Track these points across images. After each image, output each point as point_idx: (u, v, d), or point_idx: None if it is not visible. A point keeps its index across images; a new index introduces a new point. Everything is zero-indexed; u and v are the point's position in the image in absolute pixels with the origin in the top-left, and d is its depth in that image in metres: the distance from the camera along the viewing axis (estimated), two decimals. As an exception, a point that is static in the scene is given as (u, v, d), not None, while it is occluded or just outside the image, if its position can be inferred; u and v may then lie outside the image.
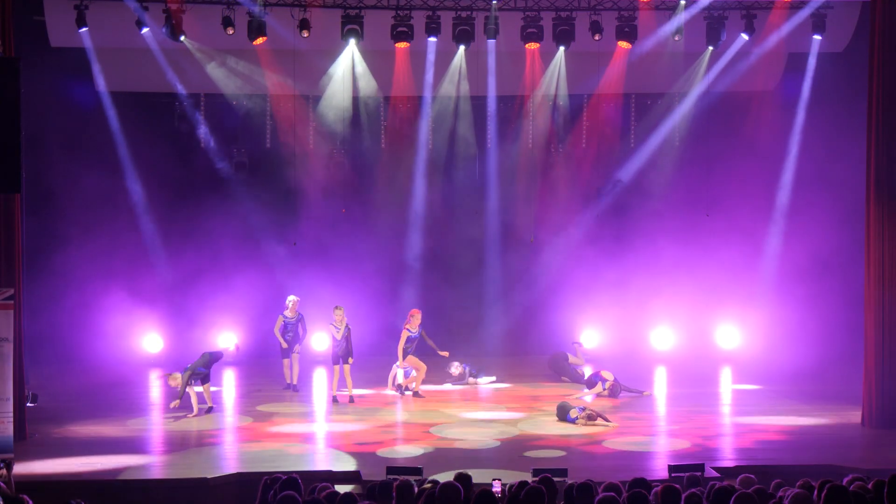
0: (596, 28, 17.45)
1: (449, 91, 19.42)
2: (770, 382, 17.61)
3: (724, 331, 20.46)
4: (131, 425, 14.58)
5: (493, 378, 18.18)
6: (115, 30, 17.53)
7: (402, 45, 17.76)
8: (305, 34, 17.19)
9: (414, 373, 16.92)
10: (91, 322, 19.31)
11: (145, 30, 17.32)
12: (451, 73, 19.10)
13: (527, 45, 18.03)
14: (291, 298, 17.11)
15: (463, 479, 8.13)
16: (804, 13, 17.74)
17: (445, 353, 17.40)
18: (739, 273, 20.00)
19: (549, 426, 14.63)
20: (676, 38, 17.67)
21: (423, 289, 20.28)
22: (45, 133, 18.15)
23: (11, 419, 12.23)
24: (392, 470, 10.64)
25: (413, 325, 16.83)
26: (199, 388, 15.27)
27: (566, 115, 20.13)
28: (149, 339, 19.78)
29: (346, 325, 16.23)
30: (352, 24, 17.30)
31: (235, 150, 20.22)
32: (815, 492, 7.57)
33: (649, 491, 7.80)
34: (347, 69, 18.90)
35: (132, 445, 13.43)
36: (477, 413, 15.71)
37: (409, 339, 16.69)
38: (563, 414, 14.80)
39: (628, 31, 17.58)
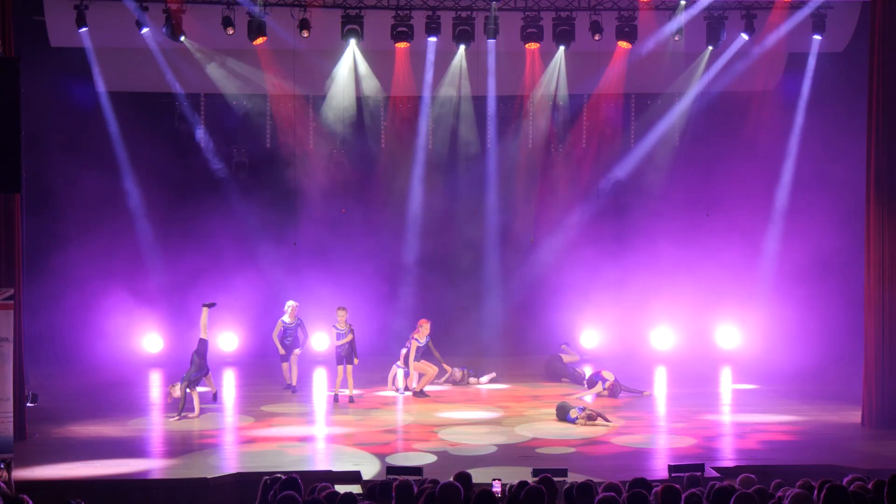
0: (596, 28, 17.45)
1: (449, 91, 19.42)
2: (770, 382, 17.61)
3: (724, 331, 20.47)
4: (131, 425, 14.58)
5: (493, 374, 18.21)
6: (115, 30, 17.52)
7: (402, 45, 17.76)
8: (305, 34, 17.19)
9: (414, 373, 16.98)
10: (91, 322, 19.32)
11: (145, 30, 17.31)
12: (451, 73, 19.09)
13: (527, 45, 18.03)
14: (290, 304, 17.11)
15: (463, 479, 8.13)
16: (804, 13, 17.74)
17: (449, 369, 17.52)
18: (739, 273, 19.99)
19: (549, 426, 14.62)
20: (677, 38, 17.68)
21: (423, 289, 20.29)
22: (45, 133, 18.15)
23: (11, 419, 12.22)
24: (392, 470, 10.64)
25: (422, 335, 16.94)
26: (202, 389, 15.24)
27: (566, 115, 20.13)
28: (149, 339, 19.78)
29: (350, 326, 16.24)
30: (352, 24, 17.30)
31: (235, 150, 20.22)
32: (815, 492, 7.57)
33: (649, 491, 7.80)
34: (350, 69, 18.90)
35: (132, 446, 13.43)
36: (478, 414, 15.69)
37: (417, 349, 16.83)
38: (563, 414, 14.81)
39: (628, 31, 17.58)
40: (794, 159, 19.66)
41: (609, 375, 16.86)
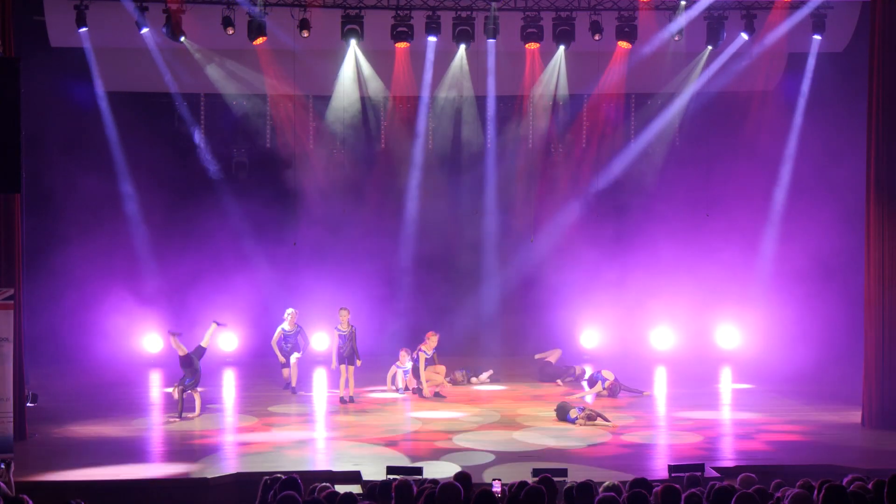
0: (596, 28, 17.45)
1: (449, 91, 19.42)
2: (770, 382, 17.61)
3: (723, 331, 20.47)
4: (131, 425, 14.58)
5: (491, 371, 18.25)
6: (115, 30, 17.53)
7: (402, 45, 17.76)
8: (305, 34, 17.18)
9: (407, 371, 17.06)
10: (91, 322, 19.31)
11: (145, 30, 17.31)
12: (451, 73, 19.09)
13: (527, 45, 18.04)
14: (290, 311, 17.09)
15: (463, 478, 8.14)
16: (804, 13, 17.73)
17: (448, 385, 17.52)
18: (739, 273, 19.99)
19: (549, 426, 14.62)
20: (677, 38, 17.68)
21: (423, 289, 20.30)
22: (45, 133, 18.15)
23: (11, 419, 12.22)
24: (392, 470, 10.64)
25: (429, 346, 16.99)
26: (200, 389, 15.24)
27: (566, 115, 20.13)
28: (149, 339, 19.77)
29: (352, 327, 16.24)
30: (352, 24, 17.30)
31: (235, 150, 20.22)
32: (815, 492, 7.57)
33: (649, 491, 7.80)
34: (352, 70, 18.90)
35: (132, 446, 13.43)
36: (478, 414, 15.70)
37: (425, 361, 16.94)
38: (563, 414, 14.81)
39: (628, 31, 17.58)
40: (794, 159, 19.66)
41: (609, 375, 16.86)
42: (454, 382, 17.88)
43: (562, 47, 18.21)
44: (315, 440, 14.30)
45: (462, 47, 18.26)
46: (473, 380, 18.13)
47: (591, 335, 20.65)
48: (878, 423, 14.34)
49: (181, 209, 19.86)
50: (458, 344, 19.30)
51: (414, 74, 18.98)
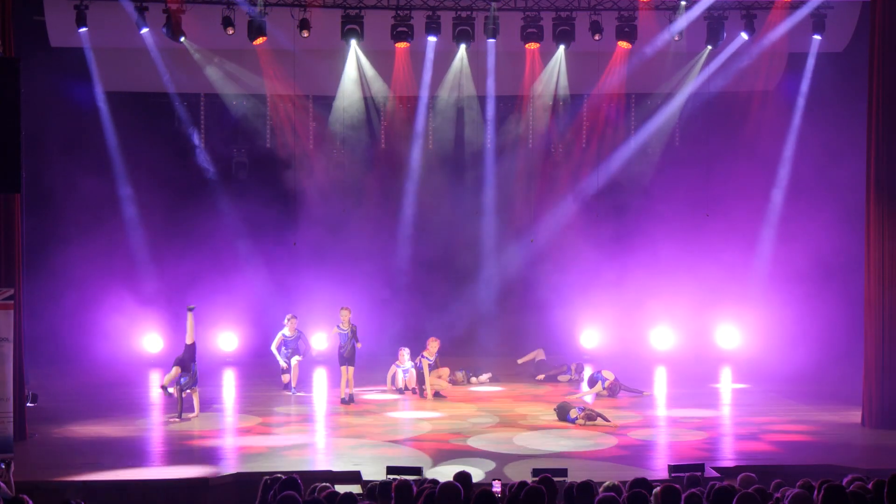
0: (596, 28, 17.46)
1: (449, 91, 19.42)
2: (770, 382, 17.61)
3: (723, 331, 20.47)
4: (131, 425, 14.57)
5: (490, 374, 18.27)
6: (115, 30, 17.54)
7: (401, 45, 17.76)
8: (305, 34, 17.19)
9: (413, 372, 17.05)
10: (91, 322, 19.32)
11: (145, 30, 17.31)
12: (451, 73, 19.10)
13: (527, 45, 18.05)
14: (290, 318, 17.08)
15: (463, 479, 8.14)
16: (804, 13, 17.73)
17: (448, 386, 17.48)
18: (739, 273, 20.00)
19: (549, 426, 14.62)
20: (677, 39, 17.68)
21: (423, 289, 20.30)
22: (45, 133, 18.16)
23: (11, 419, 12.21)
24: (392, 470, 10.64)
25: (431, 352, 17.00)
26: (198, 389, 15.20)
27: (566, 115, 20.13)
28: (149, 339, 19.78)
29: (353, 326, 16.25)
30: (352, 24, 17.31)
31: (235, 150, 20.23)
32: (815, 492, 7.56)
33: (649, 491, 7.80)
34: (352, 70, 18.90)
35: (132, 446, 13.43)
36: (478, 414, 15.70)
37: (428, 367, 16.93)
38: (563, 414, 14.81)
39: (628, 31, 17.59)
40: (794, 159, 19.68)
41: (609, 375, 16.87)
42: (454, 382, 17.89)
43: (562, 47, 18.22)
44: (315, 440, 14.30)
45: (462, 47, 18.27)
46: (473, 380, 18.16)
47: (590, 335, 20.66)
48: (878, 422, 14.33)
49: (181, 209, 19.87)
50: (457, 344, 19.29)
51: (414, 74, 18.99)
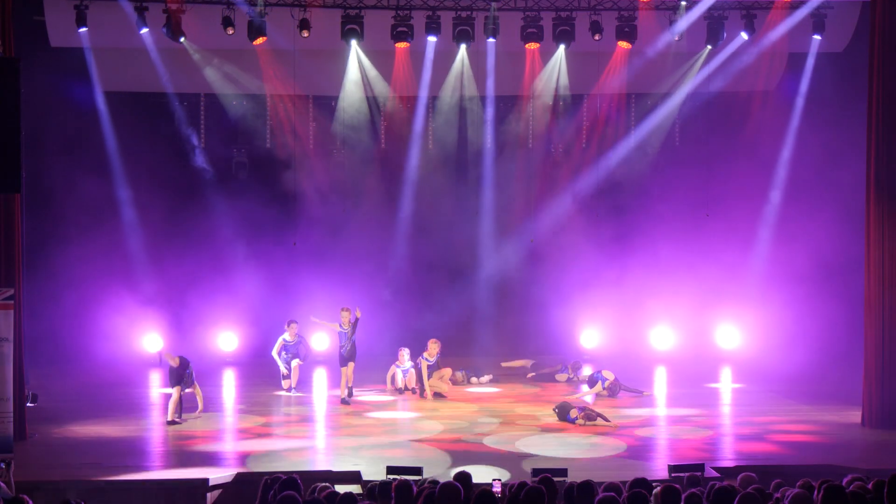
0: (596, 28, 17.46)
1: (449, 91, 19.43)
2: (770, 382, 17.61)
3: (723, 331, 20.47)
4: (131, 425, 14.57)
5: (490, 376, 18.27)
6: (115, 30, 17.53)
7: (401, 45, 17.76)
8: (305, 34, 17.19)
9: (413, 372, 17.06)
10: (91, 322, 19.32)
11: (144, 30, 17.31)
12: (450, 73, 19.09)
13: (527, 45, 18.04)
14: (291, 324, 17.08)
15: (463, 479, 8.14)
16: (804, 13, 17.73)
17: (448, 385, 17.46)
18: (739, 273, 20.00)
19: (549, 426, 14.62)
20: (677, 39, 17.68)
21: (422, 289, 20.31)
22: (45, 133, 18.16)
23: (11, 419, 12.21)
24: (392, 470, 10.64)
25: (431, 353, 17.01)
26: (193, 390, 15.14)
27: (566, 115, 20.13)
28: (149, 339, 19.78)
29: (353, 326, 16.25)
30: (352, 24, 17.30)
31: (235, 150, 20.23)
32: (815, 492, 7.57)
33: (649, 491, 7.80)
34: (353, 70, 18.91)
35: (132, 446, 13.43)
36: (478, 415, 15.70)
37: (427, 368, 16.94)
38: (563, 414, 14.81)
39: (628, 31, 17.59)
40: (794, 159, 19.67)
41: (609, 375, 16.87)
42: (454, 382, 17.88)
43: (562, 47, 18.22)
44: (315, 440, 14.29)
45: (462, 47, 18.27)
46: (473, 380, 18.16)
47: (590, 335, 20.66)
48: (878, 422, 14.33)
49: (181, 209, 19.87)
50: (457, 344, 19.27)
51: (414, 74, 18.98)
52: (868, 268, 14.64)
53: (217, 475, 11.72)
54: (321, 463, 12.70)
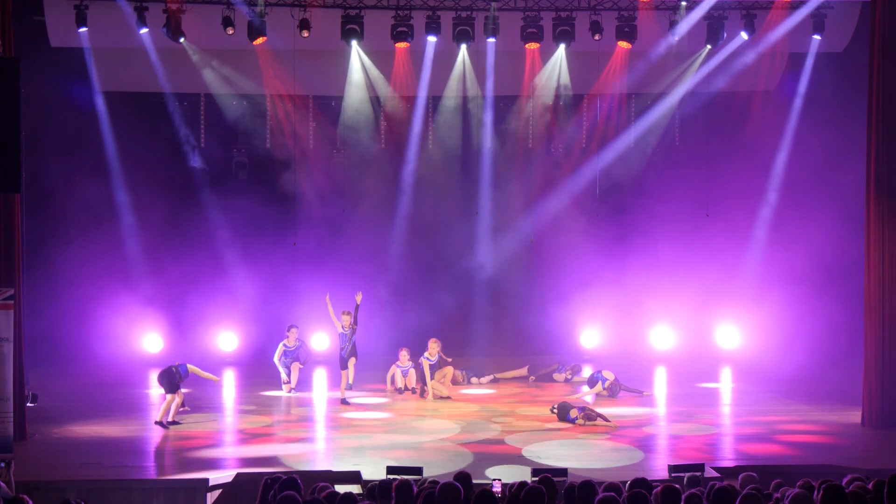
0: (596, 28, 17.46)
1: (449, 91, 19.43)
2: (770, 382, 17.61)
3: (723, 331, 20.47)
4: (131, 425, 14.57)
5: (492, 377, 18.27)
6: (115, 30, 17.52)
7: (401, 45, 17.76)
8: (305, 34, 17.18)
9: (413, 372, 17.06)
10: (91, 322, 19.33)
11: (144, 30, 17.30)
12: (450, 73, 19.09)
13: (527, 45, 18.04)
14: (292, 329, 17.09)
15: (463, 478, 8.13)
16: (804, 13, 17.73)
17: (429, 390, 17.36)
18: (739, 273, 20.01)
19: (549, 426, 14.62)
20: (677, 39, 17.68)
21: (422, 289, 20.30)
22: (45, 133, 18.16)
23: (11, 419, 12.20)
24: (392, 470, 10.64)
25: (432, 353, 16.99)
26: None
27: (566, 115, 20.12)
28: (149, 339, 19.78)
29: (354, 329, 16.25)
30: (352, 24, 17.30)
31: (235, 150, 20.24)
32: (815, 492, 7.57)
33: (649, 491, 7.80)
34: (353, 71, 18.91)
35: (132, 446, 13.43)
36: (478, 415, 15.70)
37: (429, 367, 16.91)
38: (563, 414, 14.80)
39: (628, 31, 17.59)
40: (794, 159, 19.66)
41: (609, 375, 16.87)
42: (454, 382, 17.88)
43: (562, 47, 18.22)
44: (315, 440, 14.30)
45: (463, 47, 18.27)
46: (474, 380, 18.17)
47: (590, 335, 20.67)
48: (878, 423, 14.34)
49: (181, 209, 19.88)
50: (457, 344, 19.26)
51: (414, 74, 18.98)
52: (868, 268, 14.64)
53: (217, 475, 11.73)
54: (321, 463, 12.70)
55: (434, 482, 8.38)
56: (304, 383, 17.58)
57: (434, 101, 19.89)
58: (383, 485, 8.38)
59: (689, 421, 14.92)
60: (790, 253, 19.42)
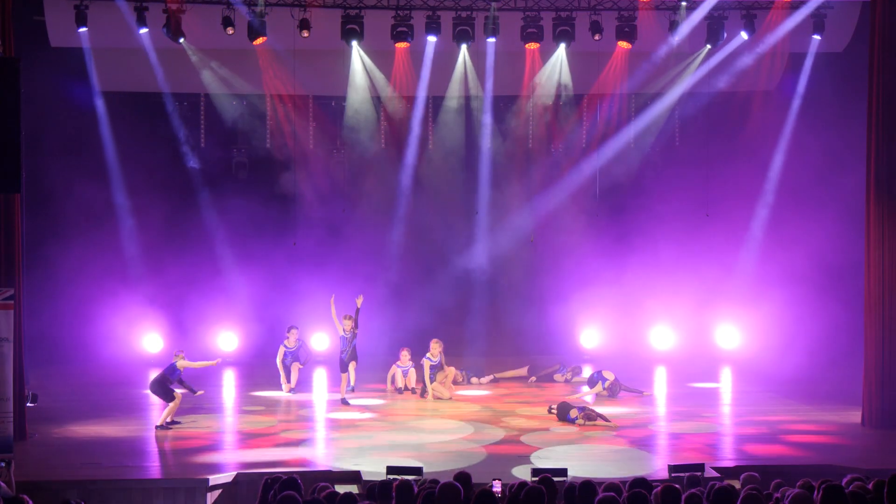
0: (596, 28, 17.47)
1: (449, 91, 19.42)
2: (770, 382, 17.61)
3: (723, 331, 20.47)
4: (131, 425, 14.57)
5: (492, 377, 18.28)
6: (115, 30, 17.52)
7: (401, 45, 17.76)
8: (305, 34, 17.19)
9: (413, 372, 17.07)
10: (91, 322, 19.33)
11: (144, 30, 17.30)
12: (450, 73, 19.09)
13: (527, 45, 18.05)
14: (291, 329, 17.09)
15: (463, 479, 8.13)
16: (804, 13, 17.73)
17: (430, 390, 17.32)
18: (739, 273, 20.01)
19: (549, 426, 14.62)
20: (677, 39, 17.68)
21: (422, 289, 20.28)
22: (45, 133, 18.16)
23: (11, 419, 12.21)
24: (392, 470, 10.64)
25: (434, 353, 16.98)
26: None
27: (566, 115, 20.12)
28: (149, 339, 19.79)
29: (355, 331, 16.24)
30: (352, 24, 17.31)
31: (235, 150, 20.25)
32: (815, 492, 7.57)
33: (649, 491, 7.80)
34: (359, 71, 18.92)
35: (132, 446, 13.43)
36: (478, 415, 15.70)
37: (431, 368, 16.90)
38: (563, 414, 14.80)
39: (628, 31, 17.59)
40: (794, 159, 19.66)
41: (609, 375, 16.87)
42: (454, 382, 17.88)
43: (562, 46, 18.22)
44: (315, 440, 14.29)
45: (463, 47, 18.27)
46: (474, 380, 18.17)
47: (590, 335, 20.67)
48: (878, 423, 14.33)
49: (181, 209, 19.89)
50: (457, 344, 19.27)
51: (414, 74, 18.98)
52: (868, 268, 14.64)
53: (217, 475, 11.72)
54: (321, 463, 12.70)
55: (434, 482, 8.37)
56: (304, 384, 17.57)
57: (434, 102, 19.89)
58: (383, 485, 8.38)
59: (688, 421, 14.90)
60: (790, 253, 19.42)
